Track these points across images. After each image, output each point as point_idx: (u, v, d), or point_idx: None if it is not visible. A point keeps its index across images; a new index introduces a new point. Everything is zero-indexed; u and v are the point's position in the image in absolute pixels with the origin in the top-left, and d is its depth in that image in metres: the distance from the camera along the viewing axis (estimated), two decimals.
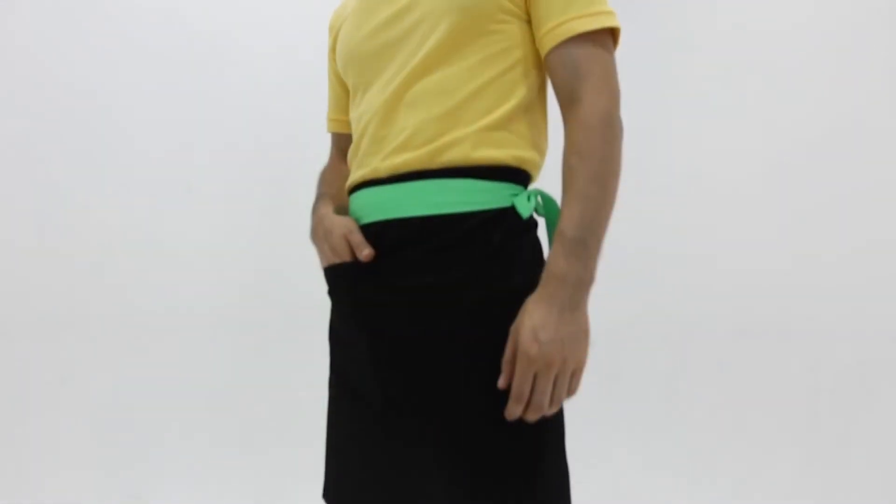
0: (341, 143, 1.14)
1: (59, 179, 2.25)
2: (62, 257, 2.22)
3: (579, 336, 0.80)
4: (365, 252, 0.88)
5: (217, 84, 2.34)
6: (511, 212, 0.87)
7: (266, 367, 2.29)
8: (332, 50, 1.10)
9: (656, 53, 2.47)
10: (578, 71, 0.84)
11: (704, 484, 2.31)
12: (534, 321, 0.78)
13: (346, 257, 0.90)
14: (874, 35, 2.27)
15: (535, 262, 0.87)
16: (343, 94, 1.11)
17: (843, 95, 2.28)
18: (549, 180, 0.94)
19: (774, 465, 2.27)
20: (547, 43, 0.87)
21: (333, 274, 0.95)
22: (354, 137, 0.98)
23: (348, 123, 1.06)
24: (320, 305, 1.08)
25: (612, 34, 0.88)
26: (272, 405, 2.28)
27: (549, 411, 0.80)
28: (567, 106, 0.86)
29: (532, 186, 0.93)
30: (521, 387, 0.79)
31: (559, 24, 0.85)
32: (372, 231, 0.90)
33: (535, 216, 0.91)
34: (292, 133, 2.32)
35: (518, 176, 0.90)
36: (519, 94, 0.89)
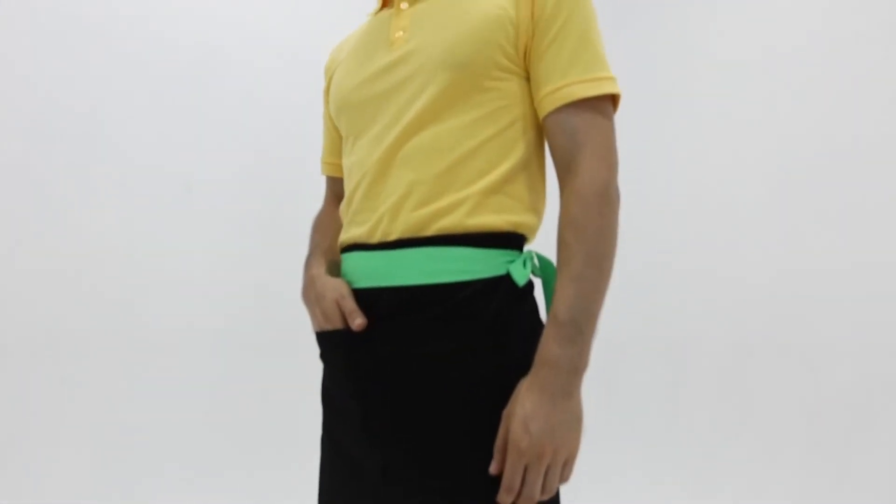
0: (336, 188, 1.10)
1: (57, 198, 2.22)
2: (60, 273, 2.21)
3: (572, 424, 0.77)
4: (357, 321, 0.84)
5: (215, 100, 2.32)
6: (506, 280, 0.83)
7: (264, 384, 2.30)
8: (327, 92, 1.07)
9: (658, 67, 2.45)
10: (576, 138, 0.81)
11: (704, 498, 2.30)
12: (525, 410, 0.75)
13: (338, 324, 0.87)
14: (876, 55, 2.22)
15: (532, 332, 0.84)
16: (338, 138, 1.06)
17: (847, 111, 2.24)
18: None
19: (774, 479, 2.27)
20: (545, 106, 0.84)
21: (325, 340, 0.92)
22: (347, 190, 0.94)
23: (340, 164, 1.03)
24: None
25: (612, 100, 0.84)
26: (270, 423, 2.29)
27: (542, 498, 0.78)
28: (563, 174, 0.83)
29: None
30: (511, 478, 0.76)
31: (558, 87, 0.82)
32: (365, 297, 0.87)
33: (532, 277, 0.88)
34: (291, 151, 2.30)
35: (514, 241, 0.86)
36: (517, 154, 0.85)
